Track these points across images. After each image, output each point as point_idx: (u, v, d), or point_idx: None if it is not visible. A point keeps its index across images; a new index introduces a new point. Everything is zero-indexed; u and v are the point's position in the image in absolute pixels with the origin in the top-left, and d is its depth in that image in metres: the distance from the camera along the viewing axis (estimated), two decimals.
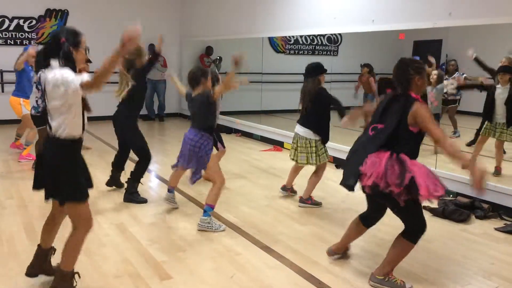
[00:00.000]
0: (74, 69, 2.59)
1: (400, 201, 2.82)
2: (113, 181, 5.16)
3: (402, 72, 2.96)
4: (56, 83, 2.51)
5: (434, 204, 2.97)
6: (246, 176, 5.99)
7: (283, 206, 4.78)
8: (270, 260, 3.51)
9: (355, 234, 3.40)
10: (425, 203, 2.97)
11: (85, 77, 2.47)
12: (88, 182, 2.83)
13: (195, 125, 4.14)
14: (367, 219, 3.32)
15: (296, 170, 5.02)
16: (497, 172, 5.72)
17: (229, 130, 9.51)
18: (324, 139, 4.68)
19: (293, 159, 4.78)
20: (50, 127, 2.66)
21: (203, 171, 4.20)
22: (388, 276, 3.07)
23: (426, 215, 4.56)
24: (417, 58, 8.20)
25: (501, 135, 5.70)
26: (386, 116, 2.94)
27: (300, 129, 4.69)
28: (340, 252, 3.53)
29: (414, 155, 2.93)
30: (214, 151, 4.72)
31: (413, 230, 3.00)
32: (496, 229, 4.24)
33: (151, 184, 5.64)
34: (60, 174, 2.64)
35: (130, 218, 4.33)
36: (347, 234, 3.43)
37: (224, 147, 5.60)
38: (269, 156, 7.24)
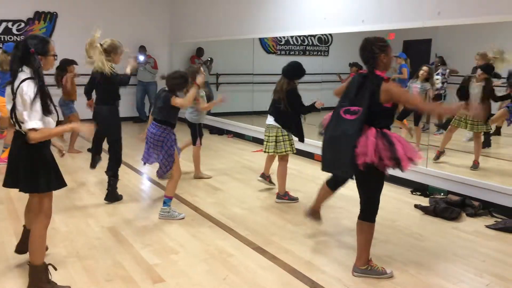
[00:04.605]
0: (41, 75, 2.74)
1: (385, 171, 3.05)
2: (95, 163, 5.25)
3: (368, 52, 3.08)
4: (20, 102, 2.69)
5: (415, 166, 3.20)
6: (238, 177, 5.98)
7: (276, 207, 4.78)
8: (263, 261, 3.50)
9: (327, 196, 3.79)
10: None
11: (39, 125, 2.66)
12: (59, 181, 2.94)
13: (158, 118, 4.31)
14: (334, 185, 3.66)
15: (270, 159, 5.23)
16: (475, 166, 5.79)
17: (221, 132, 9.50)
18: (294, 134, 4.82)
19: (267, 152, 4.93)
20: (19, 125, 2.78)
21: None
22: (369, 265, 3.22)
23: (418, 213, 4.61)
24: (402, 54, 8.38)
25: (473, 127, 5.86)
26: (359, 99, 3.02)
27: (270, 119, 4.87)
28: (318, 210, 3.85)
29: (389, 127, 3.13)
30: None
31: (370, 211, 3.18)
32: (487, 226, 4.26)
33: (143, 186, 5.62)
34: (22, 166, 2.80)
35: (121, 221, 4.31)
36: (320, 195, 3.81)
37: (200, 143, 5.79)
38: (261, 157, 7.22)
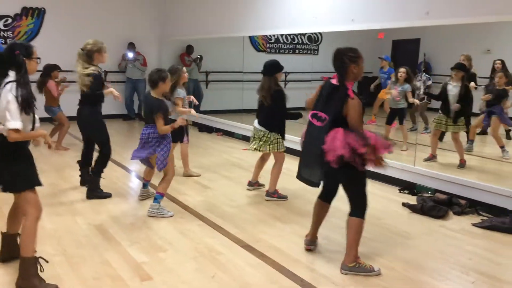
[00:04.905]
0: (26, 76, 2.85)
1: (359, 167, 3.06)
2: (85, 179, 5.16)
3: (339, 62, 3.15)
4: (3, 104, 2.77)
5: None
6: (227, 175, 5.98)
7: (265, 205, 4.79)
8: (251, 259, 3.50)
9: (323, 214, 3.60)
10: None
11: (18, 125, 2.75)
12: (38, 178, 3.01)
13: (148, 121, 4.32)
14: (327, 197, 3.53)
15: (260, 165, 5.24)
16: (462, 165, 5.87)
17: (210, 130, 9.48)
18: (279, 133, 4.84)
19: (255, 149, 4.91)
20: None
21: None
22: (357, 263, 3.24)
23: (405, 212, 4.65)
24: (388, 58, 8.46)
25: (449, 127, 5.95)
26: (328, 107, 3.15)
27: (255, 123, 4.93)
28: (316, 240, 3.67)
29: None
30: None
31: (360, 206, 3.23)
32: (473, 224, 4.31)
33: (132, 184, 5.59)
34: (4, 165, 2.87)
35: (109, 219, 4.28)
36: (316, 218, 3.60)
37: (188, 141, 5.74)
38: (250, 155, 7.22)
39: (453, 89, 5.90)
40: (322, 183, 3.42)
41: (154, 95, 4.30)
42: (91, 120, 4.84)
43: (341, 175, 3.21)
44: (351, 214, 3.24)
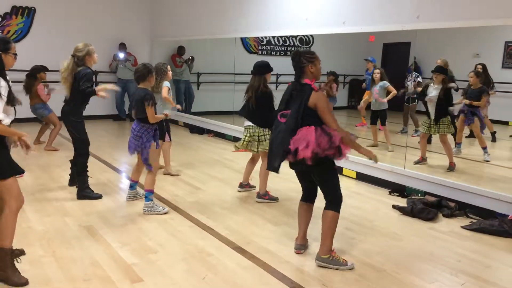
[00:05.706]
0: (3, 70, 2.86)
1: (335, 160, 3.26)
2: (74, 180, 5.11)
3: (296, 62, 3.33)
4: None
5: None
6: (218, 177, 5.97)
7: (256, 207, 4.79)
8: (242, 260, 3.50)
9: (309, 215, 3.64)
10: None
11: (2, 117, 2.76)
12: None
13: (137, 117, 4.42)
14: (309, 197, 3.60)
15: (250, 167, 5.24)
16: (451, 168, 5.91)
17: (202, 131, 9.46)
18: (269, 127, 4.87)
19: (248, 149, 4.97)
20: None
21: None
22: (332, 255, 3.33)
23: (395, 214, 4.68)
24: (374, 59, 8.62)
25: (435, 130, 6.02)
26: (291, 103, 3.30)
27: (246, 122, 4.97)
28: (306, 243, 3.71)
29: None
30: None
31: (335, 200, 3.35)
32: (462, 227, 4.35)
33: (122, 185, 5.56)
34: None
35: (100, 220, 4.25)
36: (303, 220, 3.64)
37: (170, 139, 5.76)
38: (241, 157, 7.23)
39: (434, 91, 5.98)
40: (301, 185, 3.58)
41: (142, 87, 4.40)
42: (71, 119, 4.81)
43: (314, 171, 3.31)
44: (326, 207, 3.35)
